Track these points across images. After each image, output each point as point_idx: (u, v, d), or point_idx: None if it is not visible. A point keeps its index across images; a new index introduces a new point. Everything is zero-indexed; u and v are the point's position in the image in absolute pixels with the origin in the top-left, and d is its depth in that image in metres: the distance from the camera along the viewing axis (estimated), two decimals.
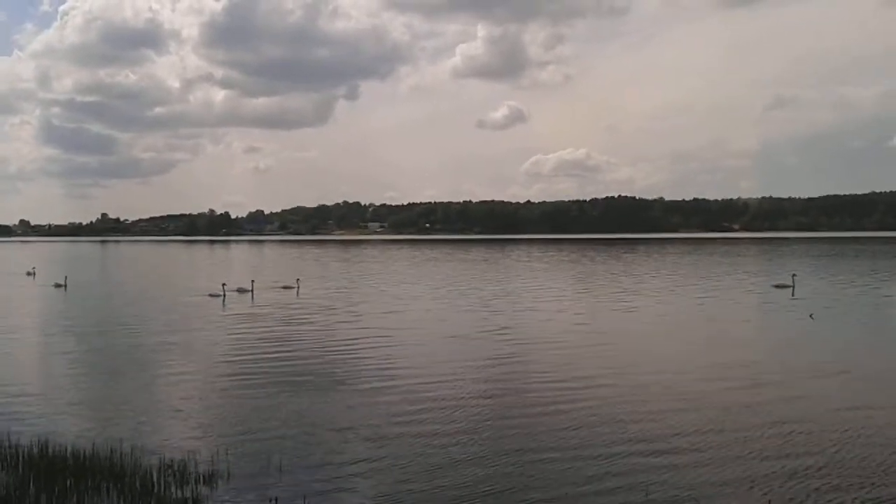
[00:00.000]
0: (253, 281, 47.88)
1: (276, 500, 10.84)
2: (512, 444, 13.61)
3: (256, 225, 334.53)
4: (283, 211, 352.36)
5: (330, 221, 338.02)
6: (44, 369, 22.84)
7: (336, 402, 17.05)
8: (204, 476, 11.62)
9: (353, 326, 30.73)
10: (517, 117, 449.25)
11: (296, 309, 38.09)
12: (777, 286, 45.76)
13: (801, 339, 27.38)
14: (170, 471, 11.69)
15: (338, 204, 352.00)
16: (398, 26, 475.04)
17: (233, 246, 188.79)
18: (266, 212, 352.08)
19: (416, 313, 35.37)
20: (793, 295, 41.37)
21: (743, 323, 32.18)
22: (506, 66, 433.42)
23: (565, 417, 15.42)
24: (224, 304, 40.32)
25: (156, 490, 10.99)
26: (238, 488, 11.37)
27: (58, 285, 52.04)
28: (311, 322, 32.69)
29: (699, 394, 17.48)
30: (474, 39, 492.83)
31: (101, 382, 19.94)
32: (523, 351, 24.33)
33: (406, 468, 12.35)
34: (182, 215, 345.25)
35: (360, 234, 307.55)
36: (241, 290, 46.34)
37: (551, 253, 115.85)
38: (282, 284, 51.53)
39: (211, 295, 44.19)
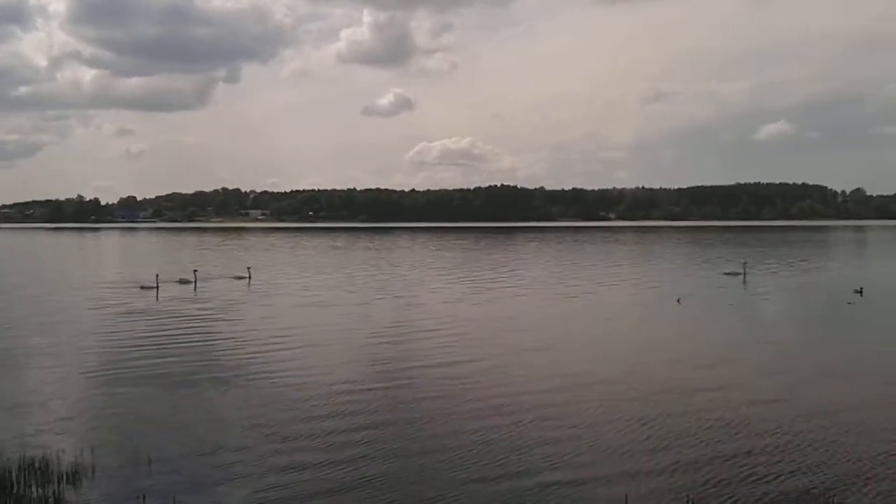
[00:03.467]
0: (195, 271, 45.00)
1: (144, 496, 10.57)
2: (399, 437, 13.58)
3: (129, 212, 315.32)
4: (158, 197, 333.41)
5: (209, 208, 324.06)
6: None
7: (218, 397, 16.60)
8: (67, 473, 11.32)
9: (278, 323, 28.73)
10: (403, 105, 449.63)
11: (236, 301, 35.95)
12: (728, 274, 47.49)
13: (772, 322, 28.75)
14: (30, 469, 11.34)
15: (216, 190, 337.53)
16: (280, 7, 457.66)
17: (106, 234, 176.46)
18: (139, 198, 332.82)
19: (345, 306, 33.92)
20: (744, 283, 43.04)
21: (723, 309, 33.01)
22: (392, 52, 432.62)
23: (447, 403, 15.75)
24: (158, 297, 37.38)
25: (15, 489, 10.67)
26: (104, 485, 11.09)
27: None
28: (238, 316, 31.00)
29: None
30: (360, 24, 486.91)
31: None
32: (436, 345, 23.53)
33: (279, 461, 12.17)
34: (48, 201, 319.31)
35: (241, 221, 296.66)
36: (182, 281, 43.39)
37: (453, 241, 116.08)
38: (234, 274, 49.02)
39: (143, 287, 40.75)
